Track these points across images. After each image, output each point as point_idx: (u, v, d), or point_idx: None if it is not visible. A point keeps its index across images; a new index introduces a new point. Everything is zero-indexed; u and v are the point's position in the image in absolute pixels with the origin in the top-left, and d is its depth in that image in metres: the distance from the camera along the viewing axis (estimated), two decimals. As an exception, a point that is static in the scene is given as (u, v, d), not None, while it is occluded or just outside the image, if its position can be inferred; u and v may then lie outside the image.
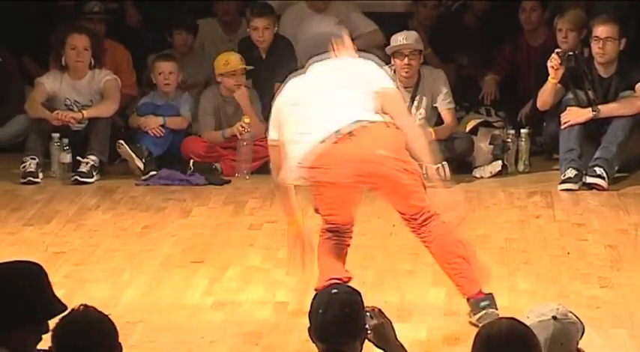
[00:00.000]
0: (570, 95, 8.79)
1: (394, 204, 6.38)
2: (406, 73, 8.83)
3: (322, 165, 6.13)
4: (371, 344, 4.28)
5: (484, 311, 5.80)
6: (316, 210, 6.43)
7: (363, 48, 9.76)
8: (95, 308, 4.01)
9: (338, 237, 6.36)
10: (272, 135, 6.50)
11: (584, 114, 8.69)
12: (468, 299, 5.96)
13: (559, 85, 8.76)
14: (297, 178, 6.28)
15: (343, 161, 6.10)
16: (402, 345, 4.40)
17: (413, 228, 6.26)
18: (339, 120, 6.19)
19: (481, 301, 5.90)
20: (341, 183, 6.17)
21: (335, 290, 4.19)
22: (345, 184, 6.18)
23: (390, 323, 4.40)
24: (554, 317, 4.23)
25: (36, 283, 3.97)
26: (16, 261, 4.07)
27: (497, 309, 5.83)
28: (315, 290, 5.92)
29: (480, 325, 4.35)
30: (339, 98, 6.33)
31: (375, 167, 6.11)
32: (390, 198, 6.38)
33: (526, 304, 5.16)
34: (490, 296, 5.94)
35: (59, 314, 3.89)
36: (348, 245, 6.35)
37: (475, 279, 5.99)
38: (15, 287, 3.91)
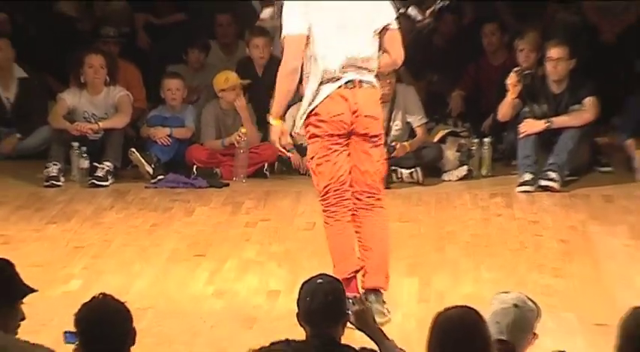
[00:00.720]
0: (527, 108, 8.78)
1: (353, 169, 5.97)
2: (382, 92, 8.81)
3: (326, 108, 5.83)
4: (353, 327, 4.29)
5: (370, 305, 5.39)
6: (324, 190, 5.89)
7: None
8: (113, 297, 4.01)
9: (348, 207, 5.92)
10: (293, 29, 5.85)
11: (539, 125, 8.68)
12: (363, 288, 5.82)
13: (517, 100, 8.75)
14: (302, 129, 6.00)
15: (346, 108, 5.83)
16: (379, 328, 4.39)
17: (360, 200, 5.96)
18: (356, 72, 5.86)
19: (373, 295, 5.77)
20: (338, 124, 5.82)
21: (320, 281, 4.16)
22: (342, 128, 5.84)
23: (370, 309, 4.39)
24: (515, 305, 4.23)
25: (5, 273, 3.93)
26: None
27: (383, 308, 5.73)
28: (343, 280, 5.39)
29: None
30: (351, 42, 5.86)
31: (365, 125, 5.91)
32: (356, 162, 5.97)
33: (489, 292, 5.12)
34: (381, 295, 5.81)
35: (27, 294, 3.90)
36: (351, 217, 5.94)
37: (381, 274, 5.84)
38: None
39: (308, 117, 5.88)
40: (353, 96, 5.84)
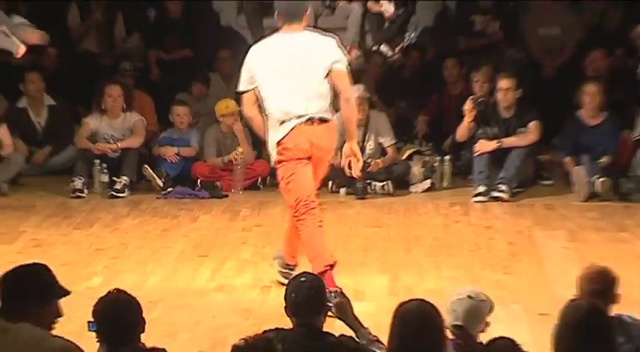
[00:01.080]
0: (481, 131, 8.79)
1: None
2: (360, 115, 8.84)
3: (292, 140, 5.88)
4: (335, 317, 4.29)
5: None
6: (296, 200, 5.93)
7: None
8: (125, 291, 4.01)
9: (317, 214, 5.95)
10: (245, 86, 6.03)
11: (491, 145, 8.70)
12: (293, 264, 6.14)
13: (472, 123, 8.77)
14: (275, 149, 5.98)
15: (307, 140, 5.87)
16: (357, 318, 4.39)
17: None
18: (307, 106, 5.88)
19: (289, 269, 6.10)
20: (302, 149, 5.87)
21: (303, 279, 4.18)
22: (306, 152, 5.89)
23: (349, 301, 4.40)
24: (470, 296, 4.24)
25: (43, 276, 3.91)
26: (27, 264, 4.01)
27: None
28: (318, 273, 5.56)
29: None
30: (305, 82, 5.88)
31: (321, 154, 5.98)
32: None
33: (449, 287, 5.15)
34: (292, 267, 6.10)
35: (62, 296, 3.87)
36: (322, 221, 6.02)
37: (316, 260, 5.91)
38: (29, 281, 3.87)
39: (277, 147, 5.93)
40: (311, 131, 5.88)
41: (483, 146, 8.70)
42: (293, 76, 5.89)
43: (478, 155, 8.69)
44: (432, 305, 3.71)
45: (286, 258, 6.27)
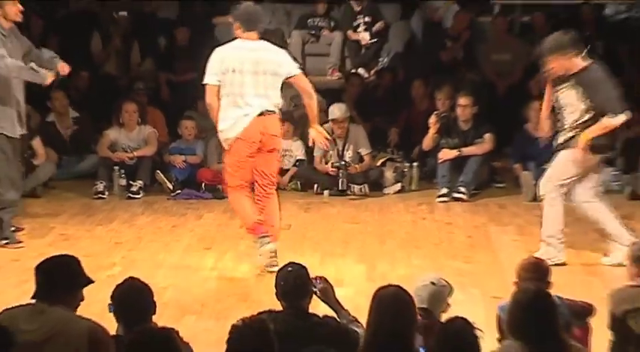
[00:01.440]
0: (444, 141, 8.80)
1: (259, 171, 6.33)
2: (339, 131, 8.86)
3: (247, 132, 6.14)
4: (319, 300, 4.28)
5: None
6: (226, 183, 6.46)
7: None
8: (139, 279, 4.00)
9: (247, 190, 6.39)
10: (212, 80, 6.19)
11: (452, 153, 8.71)
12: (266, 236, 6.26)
13: (436, 135, 8.78)
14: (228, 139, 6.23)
15: (258, 131, 6.14)
16: (338, 301, 4.38)
17: (264, 192, 6.37)
18: (261, 105, 6.13)
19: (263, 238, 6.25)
20: (251, 142, 6.16)
21: (290, 269, 4.17)
22: (253, 146, 6.18)
23: (331, 286, 4.39)
24: (432, 283, 4.25)
25: (73, 267, 3.90)
26: (59, 255, 4.01)
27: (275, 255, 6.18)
28: (247, 229, 6.48)
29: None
30: (261, 83, 6.14)
31: (270, 140, 6.23)
32: (262, 165, 6.31)
33: (418, 273, 5.15)
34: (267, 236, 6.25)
35: (87, 285, 3.87)
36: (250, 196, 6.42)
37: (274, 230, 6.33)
38: (60, 271, 3.86)
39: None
40: (263, 121, 6.11)
41: (446, 154, 8.71)
42: (252, 75, 6.12)
43: (441, 162, 8.70)
44: (406, 291, 3.71)
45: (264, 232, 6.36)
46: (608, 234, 6.53)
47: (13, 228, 7.12)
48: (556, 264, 6.06)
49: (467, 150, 8.72)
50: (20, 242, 7.04)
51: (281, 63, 6.22)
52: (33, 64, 6.80)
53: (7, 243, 6.96)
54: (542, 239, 6.53)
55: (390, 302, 3.63)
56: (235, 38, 6.29)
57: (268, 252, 6.23)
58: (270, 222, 6.39)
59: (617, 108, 6.22)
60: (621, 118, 6.24)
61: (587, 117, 6.28)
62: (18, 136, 6.84)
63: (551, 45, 6.36)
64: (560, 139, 6.47)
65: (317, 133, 6.56)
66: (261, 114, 6.13)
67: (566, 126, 6.40)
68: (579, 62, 6.28)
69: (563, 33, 6.43)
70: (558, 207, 6.47)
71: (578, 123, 6.32)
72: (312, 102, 6.39)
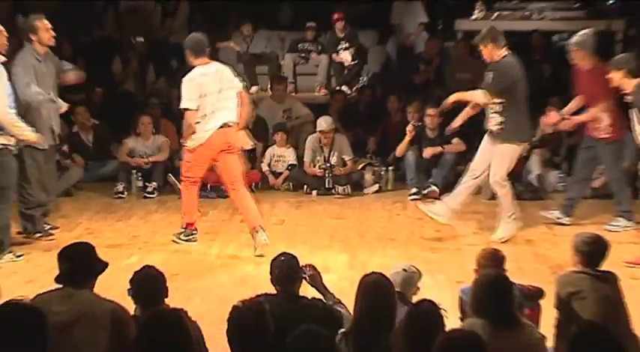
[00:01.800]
0: (414, 148, 8.80)
1: (224, 170, 6.56)
2: (326, 140, 8.87)
3: (211, 140, 6.37)
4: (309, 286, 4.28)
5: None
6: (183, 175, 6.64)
7: (301, 123, 9.89)
8: (153, 266, 4.00)
9: (198, 185, 6.64)
10: (192, 105, 6.35)
11: (437, 149, 8.70)
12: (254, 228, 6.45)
13: (409, 143, 8.78)
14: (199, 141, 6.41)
15: (220, 140, 6.38)
16: (324, 285, 4.39)
17: (231, 187, 6.57)
18: (224, 116, 6.37)
19: (262, 230, 6.44)
20: (214, 148, 6.39)
21: (282, 258, 4.17)
22: (215, 151, 6.41)
23: (319, 273, 4.39)
24: (404, 269, 4.26)
25: (91, 253, 3.90)
26: (77, 243, 4.02)
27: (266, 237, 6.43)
28: (187, 224, 6.76)
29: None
30: (224, 98, 6.37)
31: (234, 145, 6.47)
32: (226, 167, 6.52)
33: (392, 263, 5.14)
34: (264, 230, 6.45)
35: (104, 269, 3.88)
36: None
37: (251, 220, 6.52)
38: (82, 257, 3.86)
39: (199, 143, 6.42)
40: (225, 132, 6.39)
41: (429, 152, 8.72)
42: (217, 94, 6.37)
43: (427, 158, 8.71)
44: (387, 277, 3.73)
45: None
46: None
47: (48, 226, 7.11)
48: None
49: (448, 147, 8.70)
50: (51, 234, 7.03)
51: (232, 78, 6.51)
52: (52, 95, 6.75)
53: (40, 236, 6.95)
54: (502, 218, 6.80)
55: (374, 287, 3.66)
56: (194, 67, 6.51)
57: (187, 238, 6.72)
58: (250, 222, 6.53)
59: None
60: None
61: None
62: (47, 147, 6.80)
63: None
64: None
65: (242, 136, 6.81)
66: (223, 125, 6.35)
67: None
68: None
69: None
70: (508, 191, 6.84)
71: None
72: (244, 109, 6.55)
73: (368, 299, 3.62)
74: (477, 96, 6.76)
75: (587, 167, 7.34)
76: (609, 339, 2.84)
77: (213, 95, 6.34)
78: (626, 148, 7.18)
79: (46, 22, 6.67)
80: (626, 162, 7.37)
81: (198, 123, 6.37)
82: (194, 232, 6.79)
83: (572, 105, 7.19)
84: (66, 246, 3.90)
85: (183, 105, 6.39)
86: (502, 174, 6.73)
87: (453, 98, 6.94)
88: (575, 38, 7.16)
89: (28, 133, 6.34)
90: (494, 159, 6.75)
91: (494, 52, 6.67)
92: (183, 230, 6.79)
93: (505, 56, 6.69)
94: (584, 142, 7.25)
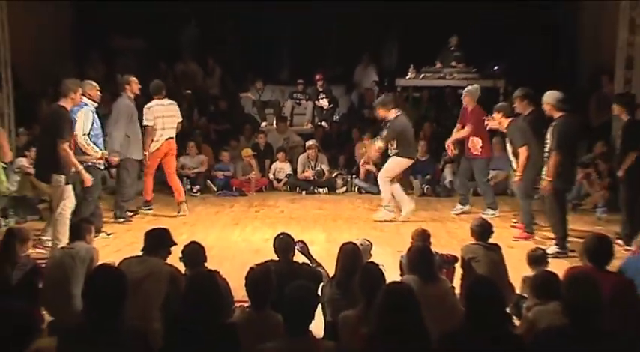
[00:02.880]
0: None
1: (166, 164, 7.03)
2: (313, 154, 8.87)
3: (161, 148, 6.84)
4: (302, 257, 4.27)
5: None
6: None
7: (295, 146, 9.77)
8: (197, 242, 3.99)
9: (152, 174, 6.99)
10: (150, 123, 6.82)
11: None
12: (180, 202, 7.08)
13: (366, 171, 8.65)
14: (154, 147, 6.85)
15: (165, 148, 6.90)
16: (311, 254, 4.38)
17: (169, 175, 7.04)
18: (168, 134, 6.87)
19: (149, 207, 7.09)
20: (161, 152, 6.87)
21: (281, 237, 4.13)
22: (159, 155, 6.91)
23: (307, 246, 4.38)
24: (361, 244, 4.25)
25: (166, 235, 3.92)
26: (159, 227, 4.03)
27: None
28: (145, 201, 7.13)
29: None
30: (169, 122, 6.87)
31: (173, 150, 6.97)
32: (167, 163, 7.00)
33: (354, 237, 5.13)
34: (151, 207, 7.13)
35: (173, 245, 3.89)
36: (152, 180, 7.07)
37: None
38: (162, 236, 3.89)
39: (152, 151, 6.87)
40: (169, 143, 6.94)
41: (363, 173, 8.65)
42: (165, 118, 6.88)
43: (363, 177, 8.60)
44: (357, 246, 3.78)
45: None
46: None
47: (131, 213, 7.12)
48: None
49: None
50: (130, 220, 6.98)
51: (176, 110, 7.00)
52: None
53: (123, 221, 6.93)
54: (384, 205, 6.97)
55: (350, 252, 3.71)
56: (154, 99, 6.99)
57: (148, 212, 7.07)
58: (179, 196, 7.10)
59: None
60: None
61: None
62: (141, 158, 6.96)
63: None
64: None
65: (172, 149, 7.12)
66: (167, 138, 6.88)
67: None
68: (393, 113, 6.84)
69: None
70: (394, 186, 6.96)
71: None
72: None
73: (345, 260, 3.68)
74: (377, 143, 6.94)
75: (465, 174, 7.43)
76: (493, 287, 2.89)
77: (163, 119, 6.81)
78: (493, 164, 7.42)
79: (135, 79, 6.80)
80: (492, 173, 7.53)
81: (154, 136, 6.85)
82: (150, 207, 7.19)
83: (455, 134, 7.30)
84: (150, 230, 3.92)
85: (144, 123, 6.77)
86: (389, 174, 6.91)
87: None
88: (467, 88, 7.30)
89: (94, 153, 6.01)
90: (388, 164, 6.94)
91: (386, 113, 6.81)
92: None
93: (398, 116, 6.84)
94: (464, 159, 7.37)
